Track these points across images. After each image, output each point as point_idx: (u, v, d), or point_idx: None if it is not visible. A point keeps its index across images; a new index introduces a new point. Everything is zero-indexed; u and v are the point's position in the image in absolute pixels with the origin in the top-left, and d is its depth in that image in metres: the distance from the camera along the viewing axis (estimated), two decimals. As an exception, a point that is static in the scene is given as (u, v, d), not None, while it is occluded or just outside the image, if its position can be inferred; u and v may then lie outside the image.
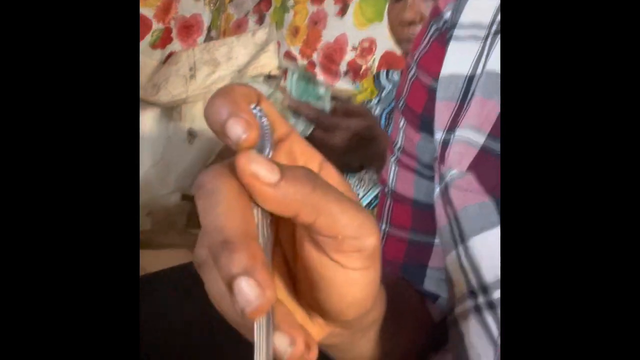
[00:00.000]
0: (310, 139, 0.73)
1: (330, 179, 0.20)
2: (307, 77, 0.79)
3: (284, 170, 0.18)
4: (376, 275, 0.20)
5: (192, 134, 1.64)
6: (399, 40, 0.86)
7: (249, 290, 0.16)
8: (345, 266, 0.19)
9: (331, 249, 0.19)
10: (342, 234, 0.18)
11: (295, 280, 0.21)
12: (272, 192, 0.17)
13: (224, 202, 0.17)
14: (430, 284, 0.39)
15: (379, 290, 0.21)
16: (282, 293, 0.21)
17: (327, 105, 0.78)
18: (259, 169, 0.17)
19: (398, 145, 0.42)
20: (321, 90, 0.78)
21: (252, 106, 0.19)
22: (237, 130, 0.18)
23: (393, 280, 0.39)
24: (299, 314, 0.21)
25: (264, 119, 0.19)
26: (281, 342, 0.17)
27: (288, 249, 0.21)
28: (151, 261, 1.07)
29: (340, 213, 0.18)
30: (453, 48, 0.37)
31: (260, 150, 0.19)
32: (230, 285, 0.16)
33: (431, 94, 0.39)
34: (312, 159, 0.21)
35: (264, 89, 0.79)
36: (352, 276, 0.19)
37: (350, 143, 0.73)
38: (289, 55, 1.56)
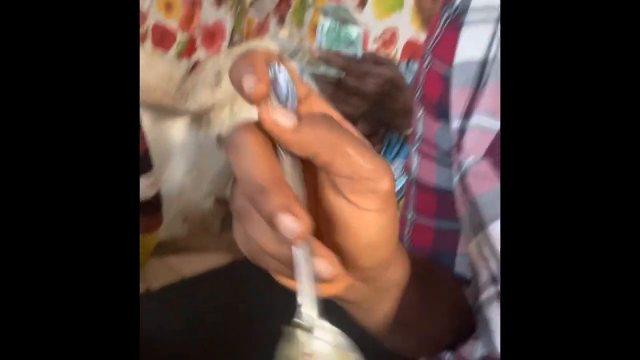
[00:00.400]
0: (342, 85, 0.73)
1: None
2: (341, 21, 0.77)
3: (302, 115, 0.20)
4: (390, 219, 0.21)
5: (221, 139, 1.67)
6: (426, 20, 0.85)
7: (289, 222, 0.18)
8: (360, 207, 0.21)
9: (347, 189, 0.20)
10: (358, 174, 0.20)
11: (319, 230, 0.23)
12: (291, 135, 0.20)
13: (250, 153, 0.20)
14: (461, 270, 0.39)
15: (397, 243, 0.23)
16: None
17: (359, 50, 0.77)
18: (278, 117, 0.20)
19: (418, 135, 0.42)
20: (354, 34, 0.77)
21: (273, 64, 0.21)
22: (249, 83, 0.20)
23: (426, 261, 0.39)
24: None
25: (285, 74, 0.21)
26: (321, 263, 0.20)
27: (312, 201, 0.23)
28: (188, 266, 1.10)
29: (356, 155, 0.20)
30: (465, 33, 0.37)
31: (285, 102, 0.21)
32: (271, 222, 0.19)
33: (446, 82, 0.38)
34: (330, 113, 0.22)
35: (287, 44, 0.78)
36: (367, 217, 0.21)
37: (382, 90, 0.73)
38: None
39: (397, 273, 0.25)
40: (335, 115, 0.22)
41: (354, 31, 0.78)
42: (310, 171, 0.22)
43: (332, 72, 0.73)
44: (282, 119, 0.20)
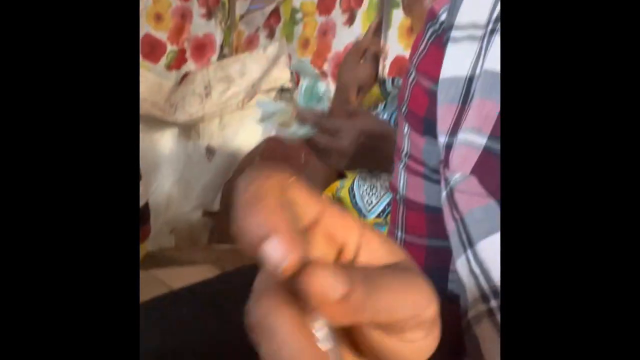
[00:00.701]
0: (312, 144, 0.72)
1: (371, 245, 0.19)
2: (313, 80, 0.79)
3: (352, 281, 0.16)
4: (438, 334, 0.20)
5: (210, 151, 1.67)
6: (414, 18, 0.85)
7: None
8: (410, 341, 0.19)
9: (392, 331, 0.18)
10: (401, 319, 0.18)
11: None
12: (340, 306, 0.16)
13: (288, 339, 0.16)
14: (454, 286, 0.39)
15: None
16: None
17: (326, 104, 0.78)
18: (329, 285, 0.16)
19: (405, 151, 0.42)
20: (322, 89, 0.78)
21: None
22: (277, 255, 0.16)
23: None
24: None
25: None
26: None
27: (351, 341, 0.20)
28: (176, 278, 1.09)
29: (395, 302, 0.18)
30: (451, 50, 0.37)
31: None
32: None
33: (432, 97, 0.38)
34: (350, 230, 0.19)
35: (272, 106, 0.79)
36: (419, 346, 0.19)
37: (358, 142, 0.71)
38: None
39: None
40: (356, 225, 0.19)
41: (321, 86, 0.79)
42: None
43: (304, 130, 0.73)
44: (333, 288, 0.16)
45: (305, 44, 1.57)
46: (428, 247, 0.40)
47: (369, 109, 0.95)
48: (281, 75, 1.59)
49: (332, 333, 0.17)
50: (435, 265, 0.39)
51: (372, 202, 0.83)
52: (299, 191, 0.18)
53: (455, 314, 0.38)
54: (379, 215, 0.81)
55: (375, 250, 0.19)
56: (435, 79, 0.38)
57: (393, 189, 0.43)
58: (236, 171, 1.54)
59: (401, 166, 0.42)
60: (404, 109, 0.42)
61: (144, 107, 1.60)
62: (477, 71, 0.35)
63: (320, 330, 0.17)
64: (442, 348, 0.35)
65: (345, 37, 1.46)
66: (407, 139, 0.41)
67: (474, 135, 0.34)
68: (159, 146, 1.69)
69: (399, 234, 0.42)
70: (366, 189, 0.84)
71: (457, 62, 0.37)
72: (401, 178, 0.42)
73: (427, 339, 0.19)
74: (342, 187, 0.89)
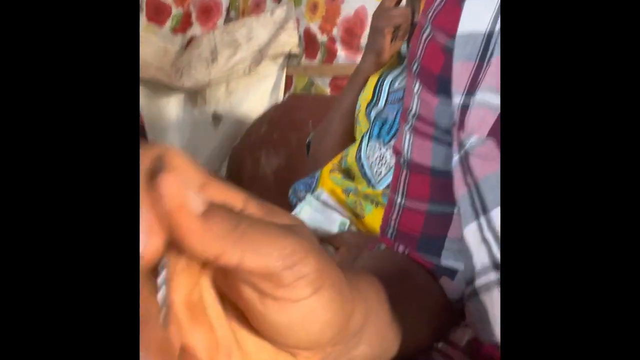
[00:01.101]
0: None
1: (254, 213, 0.18)
2: None
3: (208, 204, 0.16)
4: (333, 291, 0.18)
5: (216, 117, 1.65)
6: None
7: None
8: (295, 299, 0.17)
9: (272, 289, 0.17)
10: (275, 268, 0.17)
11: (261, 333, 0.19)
12: (198, 225, 0.16)
13: None
14: (448, 256, 0.38)
15: (352, 298, 0.20)
16: (260, 346, 0.19)
17: None
18: (188, 197, 0.16)
19: (412, 112, 0.40)
20: None
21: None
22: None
23: (396, 269, 0.37)
24: (282, 356, 0.19)
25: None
26: None
27: (235, 314, 0.19)
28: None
29: (267, 245, 0.17)
30: (470, 3, 0.35)
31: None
32: None
33: (448, 54, 0.36)
34: (233, 199, 0.18)
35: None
36: (308, 305, 0.18)
37: None
38: (308, 33, 1.53)
39: (360, 318, 0.22)
40: (240, 196, 0.18)
41: None
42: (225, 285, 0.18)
43: None
44: (192, 200, 0.16)
45: (313, 7, 1.53)
46: (427, 213, 0.38)
47: (383, 75, 0.92)
48: (289, 40, 1.55)
49: (167, 283, 0.17)
50: (432, 232, 0.38)
51: (381, 172, 0.81)
52: (183, 161, 0.17)
53: (441, 290, 0.37)
54: (388, 186, 0.80)
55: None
56: (451, 34, 0.36)
57: (397, 152, 0.41)
58: (243, 138, 1.52)
59: (407, 127, 0.40)
60: (415, 66, 0.39)
61: (150, 71, 1.57)
62: (497, 27, 0.33)
63: (160, 277, 0.17)
64: (425, 319, 0.34)
65: (355, 0, 1.41)
66: (417, 98, 0.39)
67: (492, 95, 0.32)
68: (165, 112, 1.67)
69: (399, 199, 0.40)
70: (375, 159, 0.83)
71: (475, 16, 0.34)
72: (406, 140, 0.40)
73: (318, 297, 0.18)
74: (347, 154, 0.88)
